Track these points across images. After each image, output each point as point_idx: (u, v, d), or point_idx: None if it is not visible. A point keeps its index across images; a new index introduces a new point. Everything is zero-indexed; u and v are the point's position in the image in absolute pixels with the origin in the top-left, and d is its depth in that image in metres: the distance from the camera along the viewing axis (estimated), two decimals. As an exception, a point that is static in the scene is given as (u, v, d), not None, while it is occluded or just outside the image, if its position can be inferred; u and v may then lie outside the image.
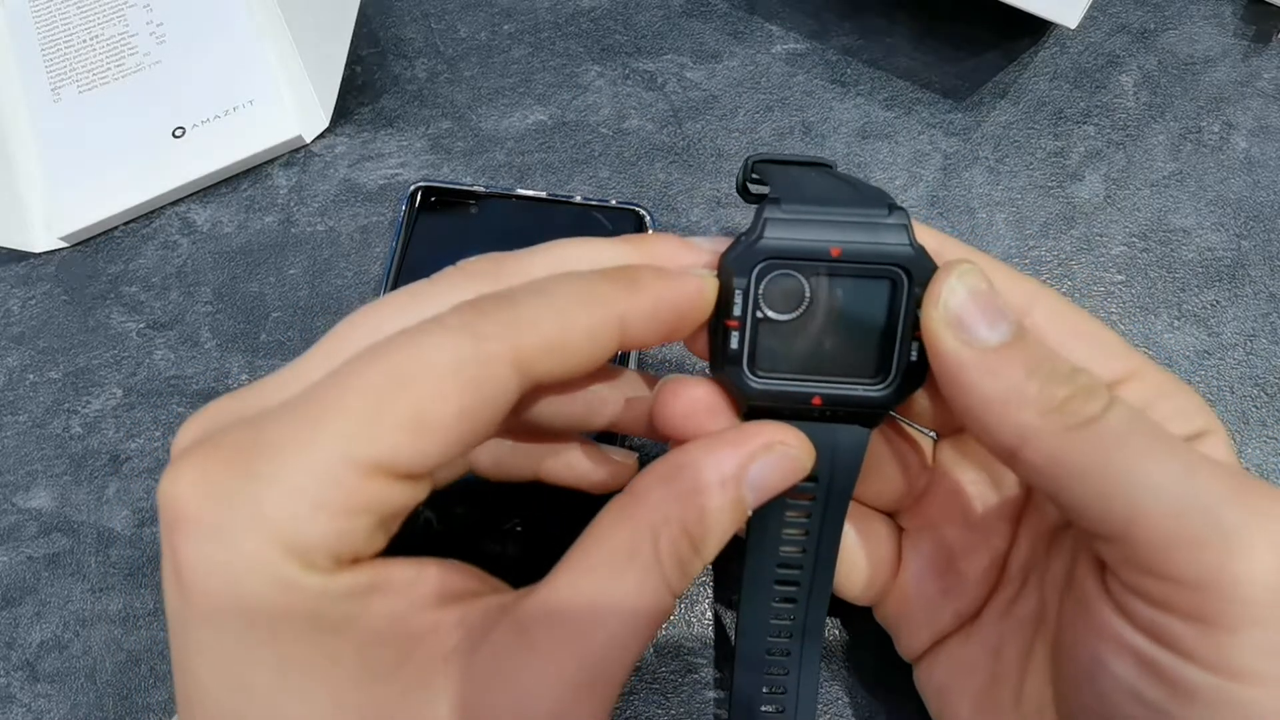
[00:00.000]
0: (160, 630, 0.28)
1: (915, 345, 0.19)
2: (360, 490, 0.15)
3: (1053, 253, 0.33)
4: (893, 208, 0.19)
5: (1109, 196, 0.33)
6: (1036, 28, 0.36)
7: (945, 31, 0.36)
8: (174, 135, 0.35)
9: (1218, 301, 0.31)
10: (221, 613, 0.15)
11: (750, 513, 0.19)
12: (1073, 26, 0.30)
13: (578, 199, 0.32)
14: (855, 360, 0.20)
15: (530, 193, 0.32)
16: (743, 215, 0.33)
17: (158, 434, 0.31)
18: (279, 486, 0.15)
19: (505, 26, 0.38)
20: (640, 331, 0.18)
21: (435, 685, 0.16)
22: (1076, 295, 0.32)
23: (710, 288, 0.19)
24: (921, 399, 0.22)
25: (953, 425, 0.23)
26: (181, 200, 0.35)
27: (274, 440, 0.15)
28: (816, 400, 0.20)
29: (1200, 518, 0.16)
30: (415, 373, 0.16)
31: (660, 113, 0.35)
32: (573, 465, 0.23)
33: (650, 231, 0.31)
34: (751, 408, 0.20)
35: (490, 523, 0.27)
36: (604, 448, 0.23)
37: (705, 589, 0.28)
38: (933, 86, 0.35)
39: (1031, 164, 0.34)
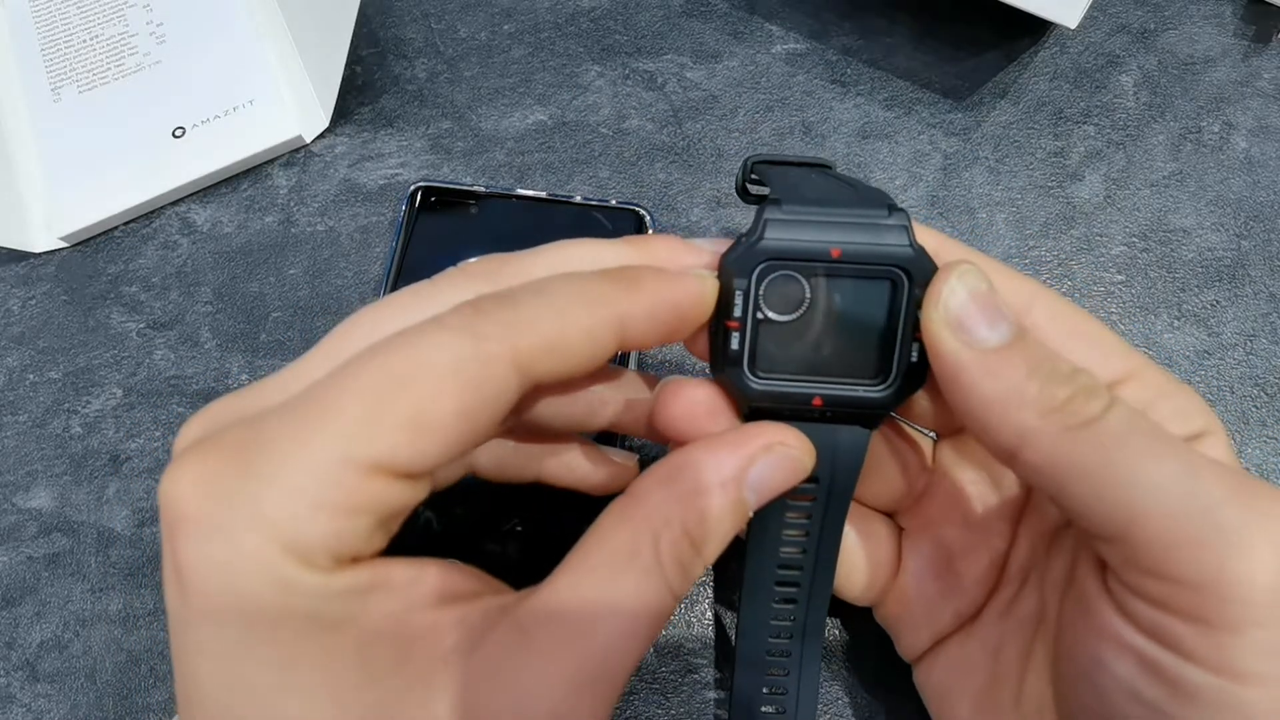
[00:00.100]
0: (160, 630, 0.28)
1: (915, 346, 0.19)
2: (360, 490, 0.15)
3: (1053, 253, 0.33)
4: (893, 208, 0.19)
5: (1109, 196, 0.33)
6: (1036, 28, 0.36)
7: (945, 31, 0.36)
8: (174, 135, 0.35)
9: (1218, 301, 0.31)
10: (221, 612, 0.15)
11: (751, 514, 0.19)
12: (1073, 26, 0.30)
13: (578, 199, 0.32)
14: (856, 361, 0.20)
15: (530, 193, 0.32)
16: (743, 215, 0.33)
17: (158, 434, 0.31)
18: (279, 486, 0.15)
19: (505, 26, 0.38)
20: (640, 332, 0.18)
21: (435, 685, 0.16)
22: (1076, 295, 0.32)
23: (710, 288, 0.19)
24: (921, 400, 0.22)
25: (952, 426, 0.23)
26: (181, 200, 0.35)
27: (274, 440, 0.15)
28: (817, 401, 0.20)
29: (1200, 518, 0.16)
30: (415, 373, 0.16)
31: (660, 113, 0.35)
32: (573, 466, 0.23)
33: (650, 232, 0.31)
34: (752, 409, 0.20)
35: (490, 523, 0.27)
36: (604, 449, 0.23)
37: (705, 589, 0.28)
38: (933, 86, 0.35)
39: (1031, 164, 0.34)
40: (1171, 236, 0.33)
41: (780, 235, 0.19)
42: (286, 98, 0.36)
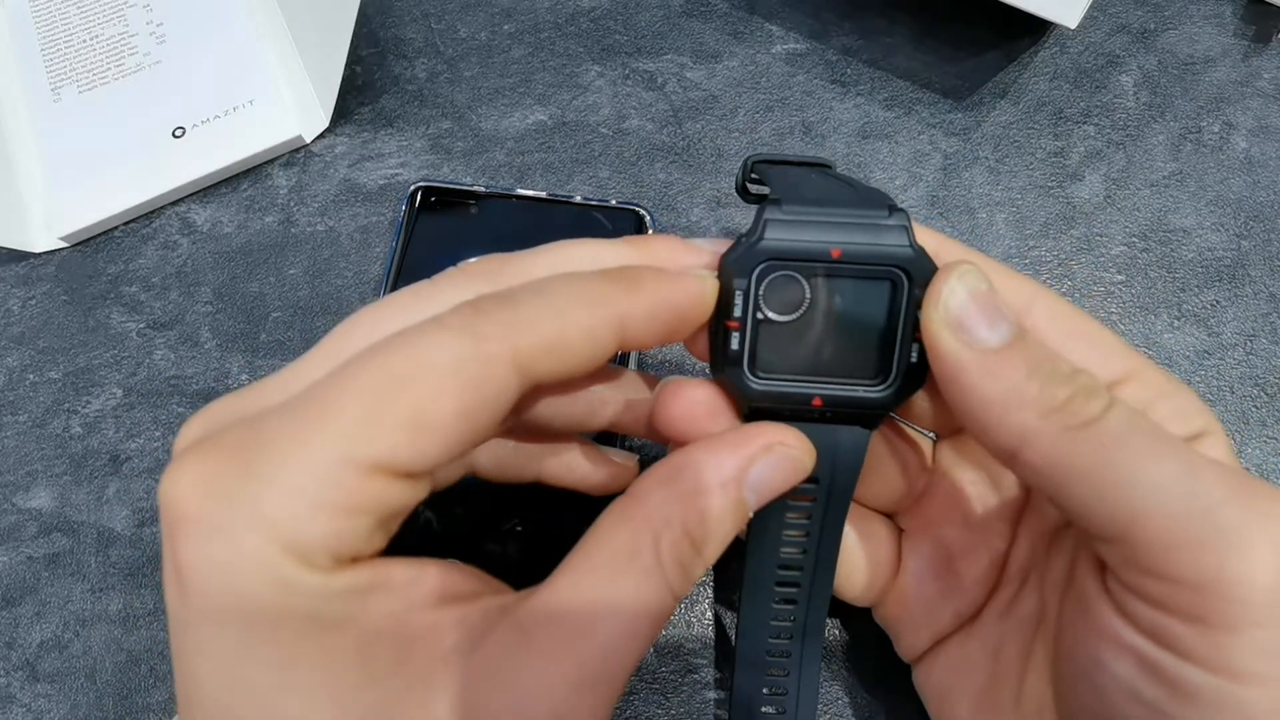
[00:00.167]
0: (160, 630, 0.28)
1: (915, 346, 0.19)
2: (360, 490, 0.15)
3: (1053, 253, 0.33)
4: (893, 209, 0.19)
5: (1109, 196, 0.33)
6: (1036, 28, 0.36)
7: (945, 31, 0.36)
8: (174, 135, 0.35)
9: (1218, 301, 0.31)
10: (221, 612, 0.15)
11: (751, 514, 0.19)
12: (1073, 26, 0.30)
13: (578, 199, 0.32)
14: (856, 361, 0.20)
15: (530, 193, 0.32)
16: (743, 215, 0.33)
17: (158, 434, 0.31)
18: (279, 486, 0.15)
19: (505, 26, 0.38)
20: (640, 332, 0.18)
21: (435, 685, 0.16)
22: (1076, 295, 0.32)
23: (710, 289, 0.19)
24: (921, 400, 0.22)
25: (952, 426, 0.23)
26: (181, 200, 0.35)
27: (274, 440, 0.15)
28: (817, 401, 0.20)
29: (1200, 518, 0.16)
30: (415, 373, 0.16)
31: (660, 113, 0.35)
32: (573, 466, 0.23)
33: (650, 232, 0.31)
34: (752, 409, 0.20)
35: (490, 523, 0.27)
36: (604, 449, 0.23)
37: (705, 589, 0.28)
38: (933, 86, 0.35)
39: (1031, 164, 0.34)
40: (1171, 236, 0.33)
41: (780, 235, 0.19)
42: (286, 98, 0.36)
